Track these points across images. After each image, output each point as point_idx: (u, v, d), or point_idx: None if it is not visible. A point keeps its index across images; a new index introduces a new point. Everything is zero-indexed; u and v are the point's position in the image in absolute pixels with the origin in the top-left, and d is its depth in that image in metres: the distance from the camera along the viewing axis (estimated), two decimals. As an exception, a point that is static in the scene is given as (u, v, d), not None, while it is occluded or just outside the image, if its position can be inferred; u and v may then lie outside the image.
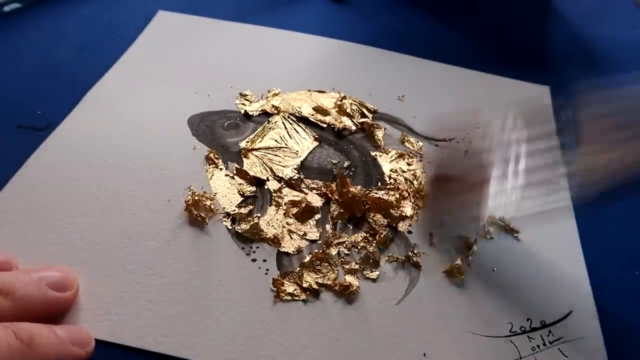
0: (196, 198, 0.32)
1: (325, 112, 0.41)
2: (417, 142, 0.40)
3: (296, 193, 0.35)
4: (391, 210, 0.34)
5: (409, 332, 0.29)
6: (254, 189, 0.35)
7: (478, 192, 0.32)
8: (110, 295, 0.28)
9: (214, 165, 0.36)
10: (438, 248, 0.33)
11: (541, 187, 0.30)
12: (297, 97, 0.42)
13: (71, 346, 0.25)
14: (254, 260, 0.31)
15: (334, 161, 0.38)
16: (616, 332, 0.30)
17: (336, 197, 0.34)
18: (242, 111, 0.40)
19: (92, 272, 0.29)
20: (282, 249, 0.32)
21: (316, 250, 0.32)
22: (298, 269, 0.31)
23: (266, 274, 0.31)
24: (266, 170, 0.36)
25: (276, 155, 0.37)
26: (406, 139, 0.40)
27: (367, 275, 0.31)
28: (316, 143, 0.39)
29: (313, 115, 0.41)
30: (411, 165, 0.38)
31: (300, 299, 0.30)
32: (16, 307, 0.25)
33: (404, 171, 0.38)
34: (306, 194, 0.35)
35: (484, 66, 0.48)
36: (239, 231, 0.32)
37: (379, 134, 0.40)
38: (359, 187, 0.35)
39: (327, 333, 0.28)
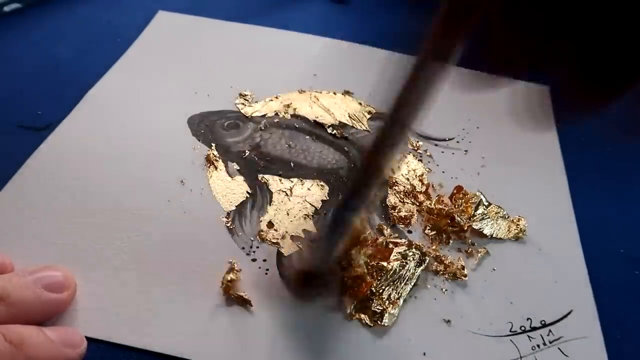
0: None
1: (327, 113, 0.41)
2: (417, 142, 0.40)
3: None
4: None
5: (409, 332, 0.29)
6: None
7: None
8: (110, 295, 0.28)
9: (213, 166, 0.36)
10: None
11: None
12: (297, 97, 0.42)
13: (62, 347, 0.25)
14: (254, 260, 0.31)
15: (334, 161, 0.38)
16: (616, 332, 0.30)
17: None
18: (242, 111, 0.41)
19: (92, 272, 0.29)
20: (282, 251, 0.32)
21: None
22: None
23: (266, 274, 0.31)
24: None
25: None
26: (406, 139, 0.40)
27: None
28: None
29: (315, 114, 0.41)
30: (411, 165, 0.38)
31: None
32: (11, 311, 0.25)
33: (403, 171, 0.38)
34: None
35: (484, 66, 0.48)
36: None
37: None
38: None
39: (327, 333, 0.28)
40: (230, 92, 0.42)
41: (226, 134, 0.39)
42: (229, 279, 0.29)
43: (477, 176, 0.38)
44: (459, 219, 0.34)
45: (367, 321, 0.29)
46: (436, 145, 0.40)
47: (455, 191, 0.36)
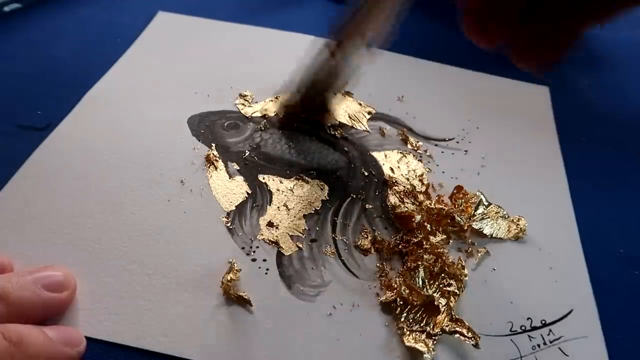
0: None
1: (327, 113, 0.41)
2: (417, 142, 0.40)
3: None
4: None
5: (409, 332, 0.29)
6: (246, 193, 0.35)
7: None
8: (110, 295, 0.28)
9: (214, 166, 0.36)
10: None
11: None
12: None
13: (62, 346, 0.25)
14: (254, 260, 0.31)
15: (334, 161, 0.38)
16: (616, 332, 0.30)
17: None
18: (242, 112, 0.41)
19: (92, 272, 0.29)
20: (282, 251, 0.32)
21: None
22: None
23: (266, 274, 0.31)
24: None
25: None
26: (406, 139, 0.40)
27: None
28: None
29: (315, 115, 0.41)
30: (411, 165, 0.38)
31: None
32: (10, 310, 0.25)
33: (403, 171, 0.38)
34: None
35: (484, 66, 0.48)
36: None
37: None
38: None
39: (327, 332, 0.28)
40: (230, 92, 0.42)
41: (226, 134, 0.39)
42: (229, 279, 0.29)
43: (477, 176, 0.38)
44: (459, 219, 0.34)
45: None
46: (436, 145, 0.40)
47: (455, 191, 0.36)
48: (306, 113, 0.40)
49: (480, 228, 0.34)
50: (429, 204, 0.35)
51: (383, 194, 0.36)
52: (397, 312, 0.29)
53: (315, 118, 0.40)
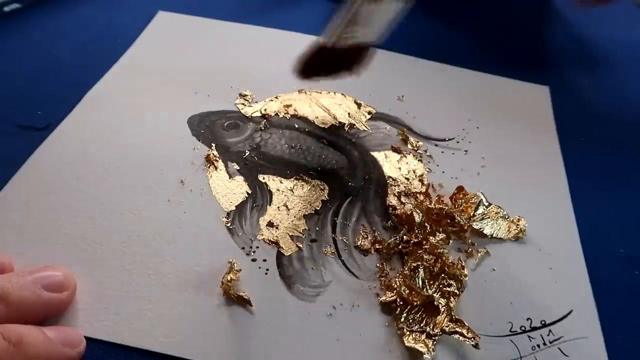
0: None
1: (327, 113, 0.41)
2: (417, 142, 0.40)
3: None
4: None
5: (409, 332, 0.29)
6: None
7: None
8: (110, 295, 0.28)
9: (214, 166, 0.36)
10: None
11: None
12: (297, 97, 0.42)
13: (61, 347, 0.25)
14: (254, 260, 0.31)
15: (334, 161, 0.38)
16: (616, 331, 0.30)
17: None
18: (242, 111, 0.41)
19: (92, 272, 0.29)
20: (282, 251, 0.32)
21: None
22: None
23: (266, 274, 0.31)
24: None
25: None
26: (406, 139, 0.40)
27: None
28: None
29: (314, 114, 0.41)
30: (411, 165, 0.38)
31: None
32: (10, 311, 0.25)
33: (403, 171, 0.38)
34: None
35: (484, 66, 0.48)
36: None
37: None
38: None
39: (326, 333, 0.28)
40: (230, 92, 0.42)
41: (226, 134, 0.39)
42: (229, 279, 0.29)
43: (477, 176, 0.38)
44: (459, 219, 0.34)
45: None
46: (436, 145, 0.40)
47: (456, 191, 0.36)
48: (334, 63, 0.37)
49: (480, 228, 0.34)
50: (429, 204, 0.35)
51: (383, 194, 0.36)
52: (397, 312, 0.29)
53: (343, 69, 0.37)
